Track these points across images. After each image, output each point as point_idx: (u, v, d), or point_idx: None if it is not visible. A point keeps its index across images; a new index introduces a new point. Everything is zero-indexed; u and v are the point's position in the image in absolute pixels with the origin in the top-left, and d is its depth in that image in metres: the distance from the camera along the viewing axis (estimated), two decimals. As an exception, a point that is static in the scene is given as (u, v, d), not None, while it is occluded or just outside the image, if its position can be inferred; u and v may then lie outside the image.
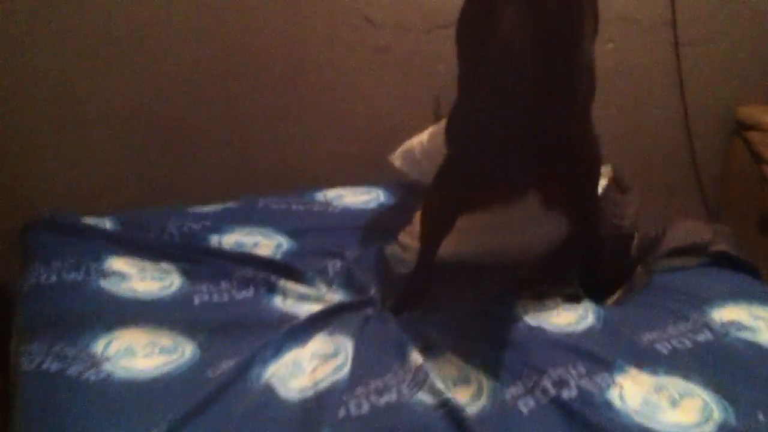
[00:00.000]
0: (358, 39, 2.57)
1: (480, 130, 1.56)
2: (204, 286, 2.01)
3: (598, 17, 1.80)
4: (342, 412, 1.56)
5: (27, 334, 1.74)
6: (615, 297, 1.97)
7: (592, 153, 1.83)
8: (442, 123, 1.84)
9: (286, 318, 1.88)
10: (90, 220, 2.22)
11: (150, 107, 2.55)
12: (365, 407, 1.57)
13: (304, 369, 1.70)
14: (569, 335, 1.81)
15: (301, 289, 2.01)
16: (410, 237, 2.11)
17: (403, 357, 1.70)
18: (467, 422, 1.50)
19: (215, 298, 1.98)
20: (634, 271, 2.02)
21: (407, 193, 2.43)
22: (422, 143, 2.24)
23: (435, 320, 1.87)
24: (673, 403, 1.59)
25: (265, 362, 1.69)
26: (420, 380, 1.62)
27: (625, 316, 1.88)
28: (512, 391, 1.63)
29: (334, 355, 1.74)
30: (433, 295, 1.98)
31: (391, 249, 2.15)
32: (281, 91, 2.63)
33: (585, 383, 1.62)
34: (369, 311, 1.93)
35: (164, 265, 2.08)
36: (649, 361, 1.70)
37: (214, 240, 2.23)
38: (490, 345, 1.76)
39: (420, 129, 2.34)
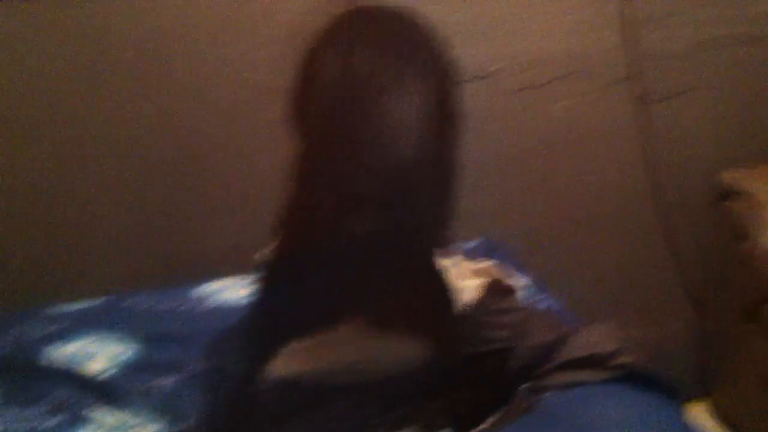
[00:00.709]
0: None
1: None
2: (12, 413, 1.75)
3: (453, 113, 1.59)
4: None
5: None
6: (485, 425, 1.56)
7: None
8: None
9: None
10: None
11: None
12: None
13: None
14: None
15: (111, 419, 1.71)
16: None
17: None
18: None
19: (20, 426, 1.71)
20: (515, 390, 1.60)
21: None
22: None
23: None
24: None
25: None
26: None
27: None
28: None
29: None
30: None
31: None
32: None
33: None
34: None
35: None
36: None
37: (51, 351, 1.94)
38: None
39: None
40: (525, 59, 2.39)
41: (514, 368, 1.63)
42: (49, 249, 2.34)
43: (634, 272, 2.62)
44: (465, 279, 1.69)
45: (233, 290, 2.19)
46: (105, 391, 1.77)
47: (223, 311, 2.09)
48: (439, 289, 1.48)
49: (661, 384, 1.61)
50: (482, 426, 1.56)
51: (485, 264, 1.79)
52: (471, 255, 2.24)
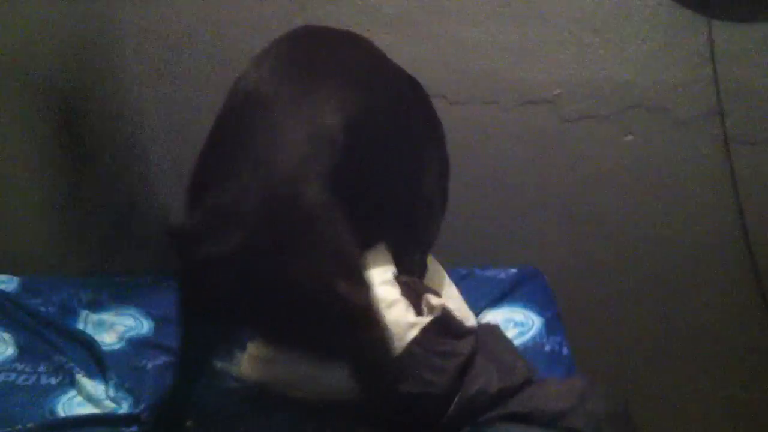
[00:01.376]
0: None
1: None
2: (21, 365, 1.93)
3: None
4: None
5: None
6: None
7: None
8: None
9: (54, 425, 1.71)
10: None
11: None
12: None
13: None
14: None
15: (92, 389, 1.83)
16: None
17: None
18: None
19: (20, 379, 1.88)
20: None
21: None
22: None
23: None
24: None
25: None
26: None
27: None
28: None
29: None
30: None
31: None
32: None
33: None
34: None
35: (4, 334, 2.02)
36: None
37: (82, 317, 2.13)
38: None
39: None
40: (591, 86, 2.27)
41: (454, 414, 1.57)
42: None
43: (710, 324, 2.41)
44: (411, 315, 1.65)
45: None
46: (104, 362, 1.89)
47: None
48: (343, 320, 1.43)
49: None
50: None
51: (442, 301, 1.73)
52: (503, 282, 2.18)
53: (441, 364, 1.61)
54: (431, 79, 2.21)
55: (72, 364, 1.90)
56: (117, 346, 2.01)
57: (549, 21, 2.24)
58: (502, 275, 2.24)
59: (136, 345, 2.02)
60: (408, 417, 1.57)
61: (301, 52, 1.54)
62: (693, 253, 2.37)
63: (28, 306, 2.14)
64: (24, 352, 1.96)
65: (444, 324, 1.66)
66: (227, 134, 1.44)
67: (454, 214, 2.31)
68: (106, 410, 1.76)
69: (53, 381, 1.87)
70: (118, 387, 1.83)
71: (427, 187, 1.77)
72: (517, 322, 2.02)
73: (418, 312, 1.67)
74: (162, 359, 1.94)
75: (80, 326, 2.08)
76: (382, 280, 1.64)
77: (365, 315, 1.44)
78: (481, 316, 2.03)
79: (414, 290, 1.70)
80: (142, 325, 2.11)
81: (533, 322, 2.02)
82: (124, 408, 1.76)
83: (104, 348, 1.97)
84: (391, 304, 1.61)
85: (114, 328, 2.09)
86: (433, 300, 1.69)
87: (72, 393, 1.83)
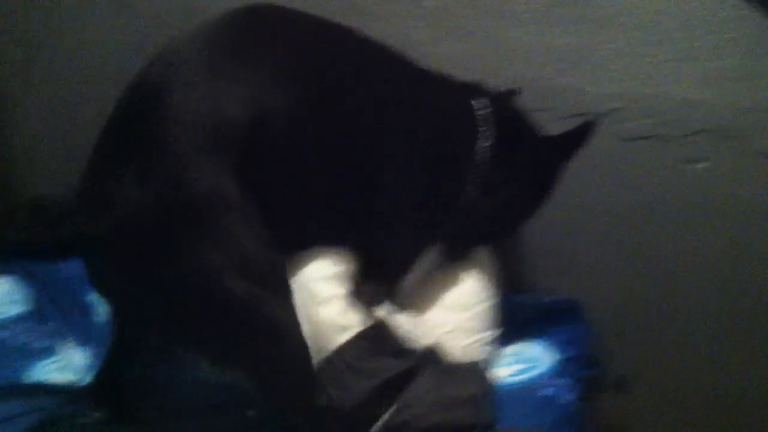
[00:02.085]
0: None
1: None
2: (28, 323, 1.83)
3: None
4: None
5: None
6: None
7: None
8: None
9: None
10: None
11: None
12: None
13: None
14: None
15: (77, 356, 1.74)
16: None
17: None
18: None
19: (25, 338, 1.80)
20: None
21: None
22: None
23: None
24: None
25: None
26: None
27: None
28: None
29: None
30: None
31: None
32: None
33: None
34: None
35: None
36: None
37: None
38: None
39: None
40: (653, 103, 1.99)
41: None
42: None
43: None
44: (348, 317, 1.45)
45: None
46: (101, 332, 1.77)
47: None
48: (239, 322, 1.30)
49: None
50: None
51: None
52: (532, 311, 1.94)
53: (350, 381, 1.41)
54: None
55: (67, 330, 1.79)
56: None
57: (608, 26, 1.98)
58: (534, 303, 1.99)
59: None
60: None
61: (233, 34, 1.40)
62: (758, 305, 2.03)
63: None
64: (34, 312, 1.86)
65: (377, 338, 1.45)
66: (128, 114, 1.34)
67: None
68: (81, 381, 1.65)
69: (46, 344, 1.76)
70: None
71: (383, 206, 1.54)
72: (523, 358, 1.77)
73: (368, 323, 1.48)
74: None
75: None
76: (321, 275, 1.47)
77: (267, 319, 1.30)
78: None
79: (372, 298, 1.50)
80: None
81: (543, 360, 1.77)
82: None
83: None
84: (324, 302, 1.44)
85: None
86: (379, 312, 1.49)
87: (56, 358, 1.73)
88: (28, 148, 2.35)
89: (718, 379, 2.12)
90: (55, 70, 2.26)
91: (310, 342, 1.40)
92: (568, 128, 1.74)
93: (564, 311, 1.95)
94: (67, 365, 1.70)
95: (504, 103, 1.73)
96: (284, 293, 1.34)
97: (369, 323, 1.47)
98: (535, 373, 1.72)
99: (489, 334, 1.72)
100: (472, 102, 1.66)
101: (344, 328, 1.44)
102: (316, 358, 1.40)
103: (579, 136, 1.70)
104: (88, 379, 1.64)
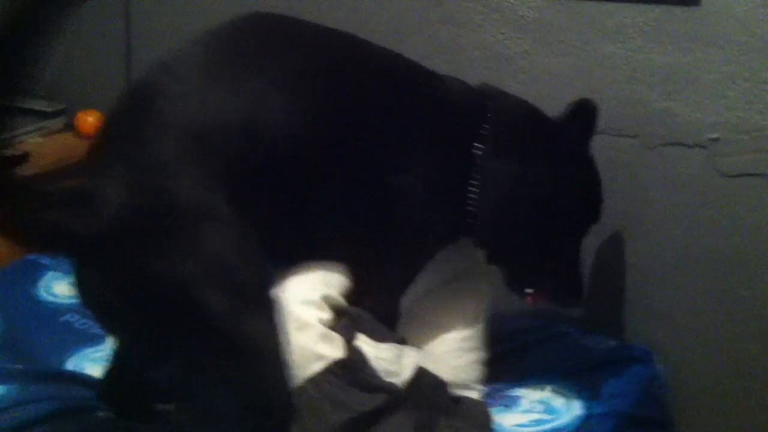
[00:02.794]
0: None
1: None
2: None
3: None
4: None
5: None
6: None
7: None
8: None
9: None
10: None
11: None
12: None
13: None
14: None
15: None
16: None
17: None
18: None
19: (78, 323, 1.93)
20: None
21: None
22: None
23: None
24: None
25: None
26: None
27: None
28: None
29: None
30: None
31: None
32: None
33: None
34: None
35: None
36: None
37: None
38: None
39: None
40: (763, 136, 1.74)
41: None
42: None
43: None
44: (325, 346, 1.42)
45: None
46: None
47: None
48: (213, 337, 1.28)
49: None
50: None
51: (363, 344, 1.46)
52: (589, 354, 1.80)
53: (327, 413, 1.36)
54: (563, 98, 1.89)
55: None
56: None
57: (716, 46, 1.75)
58: (596, 346, 1.84)
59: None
60: None
61: (230, 42, 1.39)
62: None
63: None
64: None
65: (350, 369, 1.40)
66: (123, 116, 1.34)
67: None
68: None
69: (99, 332, 1.81)
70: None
71: (382, 214, 1.48)
72: (547, 407, 1.64)
73: (348, 350, 1.44)
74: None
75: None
76: (303, 299, 1.43)
77: (244, 335, 1.27)
78: (520, 386, 1.70)
79: (356, 324, 1.47)
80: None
81: (570, 412, 1.62)
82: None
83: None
84: (302, 327, 1.39)
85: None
86: (359, 341, 1.44)
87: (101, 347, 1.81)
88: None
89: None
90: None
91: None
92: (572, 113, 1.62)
93: (629, 360, 1.77)
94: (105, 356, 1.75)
95: (504, 99, 1.61)
96: (265, 310, 1.30)
97: (346, 353, 1.42)
98: (550, 426, 1.58)
99: (481, 355, 1.64)
100: (472, 101, 1.57)
101: (319, 357, 1.40)
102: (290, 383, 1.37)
103: (586, 120, 1.62)
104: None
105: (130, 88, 1.38)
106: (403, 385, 1.46)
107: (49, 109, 2.41)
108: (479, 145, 1.53)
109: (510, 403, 1.65)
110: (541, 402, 1.66)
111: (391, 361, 1.47)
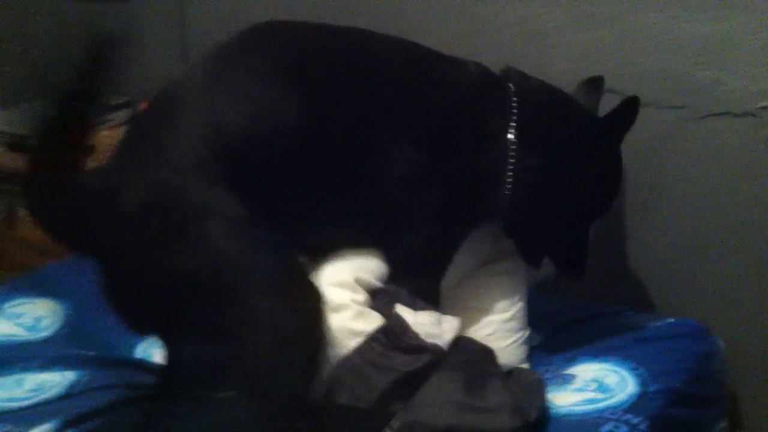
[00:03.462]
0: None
1: None
2: None
3: None
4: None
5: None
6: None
7: None
8: None
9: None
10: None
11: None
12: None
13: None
14: None
15: None
16: None
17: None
18: None
19: None
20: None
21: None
22: None
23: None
24: None
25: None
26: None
27: None
28: None
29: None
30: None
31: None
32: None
33: None
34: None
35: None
36: None
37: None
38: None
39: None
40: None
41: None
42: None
43: None
44: (360, 322, 1.43)
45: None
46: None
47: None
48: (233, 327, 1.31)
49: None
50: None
51: (402, 311, 1.46)
52: (644, 331, 1.77)
53: (373, 378, 1.37)
54: (604, 72, 1.86)
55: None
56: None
57: (759, 11, 1.70)
58: (649, 323, 1.80)
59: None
60: None
61: (238, 50, 1.43)
62: None
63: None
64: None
65: (392, 334, 1.41)
66: (148, 116, 1.43)
67: (616, 241, 1.94)
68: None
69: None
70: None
71: (403, 201, 1.48)
72: (601, 385, 1.61)
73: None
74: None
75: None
76: (334, 281, 1.44)
77: (263, 327, 1.29)
78: (573, 365, 1.67)
79: (393, 299, 1.47)
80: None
81: (624, 389, 1.59)
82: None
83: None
84: (337, 309, 1.41)
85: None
86: (398, 309, 1.45)
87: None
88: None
89: None
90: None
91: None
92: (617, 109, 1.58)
93: (683, 336, 1.73)
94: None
95: (527, 83, 1.59)
96: (282, 297, 1.32)
97: (383, 322, 1.44)
98: (606, 404, 1.55)
99: (525, 334, 1.64)
100: (495, 86, 1.56)
101: (356, 334, 1.41)
102: (328, 363, 1.39)
103: (626, 115, 1.58)
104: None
105: (163, 87, 1.43)
106: (445, 347, 1.46)
107: (114, 102, 2.45)
108: (512, 130, 1.52)
109: (563, 382, 1.61)
110: (594, 380, 1.62)
111: (431, 324, 1.47)
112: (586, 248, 1.65)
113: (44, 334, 1.87)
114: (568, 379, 1.63)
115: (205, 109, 1.35)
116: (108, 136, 2.34)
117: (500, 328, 1.61)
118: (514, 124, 1.53)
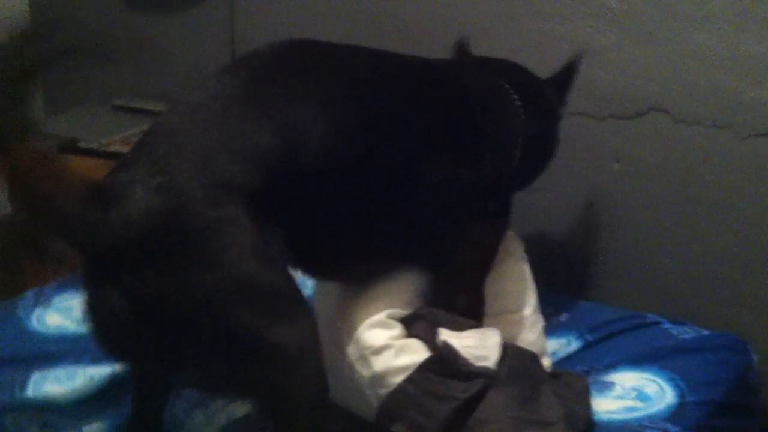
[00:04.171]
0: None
1: None
2: None
3: None
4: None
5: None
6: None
7: None
8: None
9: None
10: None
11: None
12: None
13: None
14: None
15: None
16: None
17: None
18: None
19: None
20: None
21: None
22: None
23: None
24: None
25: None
26: None
27: None
28: None
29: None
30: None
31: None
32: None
33: None
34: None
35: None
36: None
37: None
38: None
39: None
40: None
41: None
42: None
43: None
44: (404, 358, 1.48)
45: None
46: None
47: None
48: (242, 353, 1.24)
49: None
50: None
51: (446, 337, 1.50)
52: (682, 343, 1.81)
53: (433, 407, 1.42)
54: (653, 90, 1.91)
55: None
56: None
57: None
58: (688, 335, 1.84)
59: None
60: None
61: (268, 66, 1.40)
62: None
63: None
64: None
65: (444, 363, 1.45)
66: (165, 126, 1.35)
67: (657, 253, 1.98)
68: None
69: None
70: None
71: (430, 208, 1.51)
72: (640, 393, 1.66)
73: (433, 349, 1.49)
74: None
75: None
76: (369, 323, 1.49)
77: (276, 351, 1.24)
78: (612, 372, 1.73)
79: (433, 322, 1.51)
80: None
81: (662, 400, 1.64)
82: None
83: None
84: (378, 351, 1.47)
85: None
86: (442, 335, 1.49)
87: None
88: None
89: None
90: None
91: (367, 390, 1.48)
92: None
93: (722, 348, 1.78)
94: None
95: (526, 76, 1.69)
96: (298, 323, 1.27)
97: (433, 350, 1.48)
98: (645, 413, 1.60)
99: (543, 322, 1.70)
100: (505, 83, 1.63)
101: (404, 369, 1.46)
102: (374, 405, 1.46)
103: (569, 77, 1.75)
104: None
105: (182, 98, 1.38)
106: (494, 366, 1.50)
107: (159, 109, 2.43)
108: (521, 109, 1.61)
109: (603, 389, 1.67)
110: (634, 389, 1.67)
111: (477, 346, 1.52)
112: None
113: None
114: (608, 386, 1.68)
115: (234, 126, 1.29)
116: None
117: (525, 324, 1.66)
118: (519, 103, 1.60)
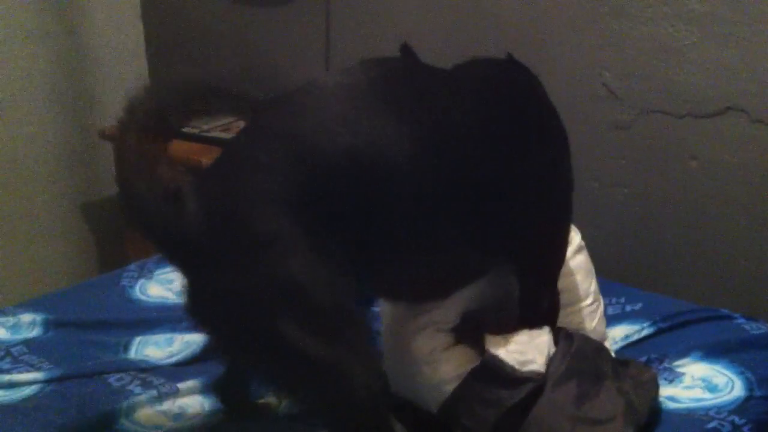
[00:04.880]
0: (596, 110, 2.19)
1: None
2: None
3: None
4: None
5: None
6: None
7: None
8: None
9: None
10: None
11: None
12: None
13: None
14: None
15: None
16: None
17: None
18: None
19: None
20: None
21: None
22: None
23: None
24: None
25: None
26: None
27: None
28: None
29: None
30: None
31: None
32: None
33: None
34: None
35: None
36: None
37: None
38: None
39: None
40: None
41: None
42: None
43: None
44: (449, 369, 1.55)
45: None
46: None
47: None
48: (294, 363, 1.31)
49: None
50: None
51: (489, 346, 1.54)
52: (753, 338, 1.85)
53: (482, 413, 1.49)
54: (731, 90, 1.95)
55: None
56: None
57: None
58: (760, 331, 1.86)
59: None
60: None
61: (354, 85, 1.40)
62: None
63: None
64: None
65: (489, 371, 1.51)
66: (243, 137, 1.41)
67: (730, 249, 2.01)
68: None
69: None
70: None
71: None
72: (709, 384, 1.69)
73: (481, 354, 1.54)
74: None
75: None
76: (418, 330, 1.57)
77: (323, 366, 1.30)
78: (682, 361, 1.77)
79: (481, 327, 1.57)
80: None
81: (732, 392, 1.67)
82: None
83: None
84: (427, 361, 1.55)
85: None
86: (488, 343, 1.54)
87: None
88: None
89: None
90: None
91: (423, 395, 1.56)
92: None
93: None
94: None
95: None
96: (348, 340, 1.31)
97: (479, 358, 1.53)
98: (713, 402, 1.64)
99: (602, 306, 1.76)
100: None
101: (446, 382, 1.52)
102: (432, 408, 1.54)
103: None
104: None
105: (264, 110, 1.43)
106: (542, 368, 1.53)
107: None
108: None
109: (672, 377, 1.71)
110: (702, 379, 1.71)
111: (522, 351, 1.54)
112: None
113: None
114: (678, 375, 1.72)
115: (311, 142, 1.32)
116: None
117: (587, 312, 1.71)
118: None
